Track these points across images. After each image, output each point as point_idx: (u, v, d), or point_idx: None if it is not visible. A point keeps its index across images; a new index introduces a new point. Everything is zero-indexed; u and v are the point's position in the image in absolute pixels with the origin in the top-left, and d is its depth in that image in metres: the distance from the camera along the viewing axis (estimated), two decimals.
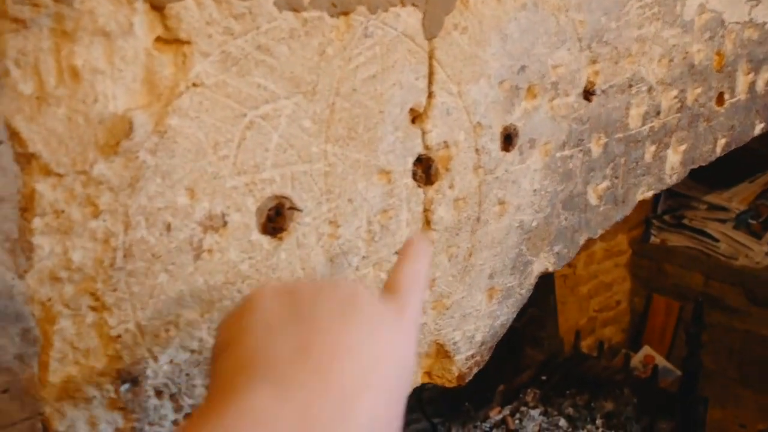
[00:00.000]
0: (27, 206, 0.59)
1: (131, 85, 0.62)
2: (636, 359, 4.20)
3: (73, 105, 0.59)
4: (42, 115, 0.58)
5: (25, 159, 0.58)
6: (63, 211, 0.60)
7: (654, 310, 4.40)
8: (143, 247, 0.65)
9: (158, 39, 0.63)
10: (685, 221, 4.26)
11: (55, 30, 0.57)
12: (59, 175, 0.59)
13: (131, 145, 0.62)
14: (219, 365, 0.50)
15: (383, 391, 0.45)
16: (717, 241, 4.19)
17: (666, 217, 4.32)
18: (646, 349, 4.29)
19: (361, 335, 0.47)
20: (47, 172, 0.59)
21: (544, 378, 3.25)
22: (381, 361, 0.46)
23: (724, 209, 4.22)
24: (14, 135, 0.57)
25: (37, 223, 0.59)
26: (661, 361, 4.16)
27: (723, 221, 4.22)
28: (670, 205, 4.33)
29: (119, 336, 0.65)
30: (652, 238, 4.31)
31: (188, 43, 0.63)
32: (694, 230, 4.22)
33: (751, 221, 4.17)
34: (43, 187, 0.59)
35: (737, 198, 4.25)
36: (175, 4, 0.62)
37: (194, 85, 0.64)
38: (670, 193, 4.13)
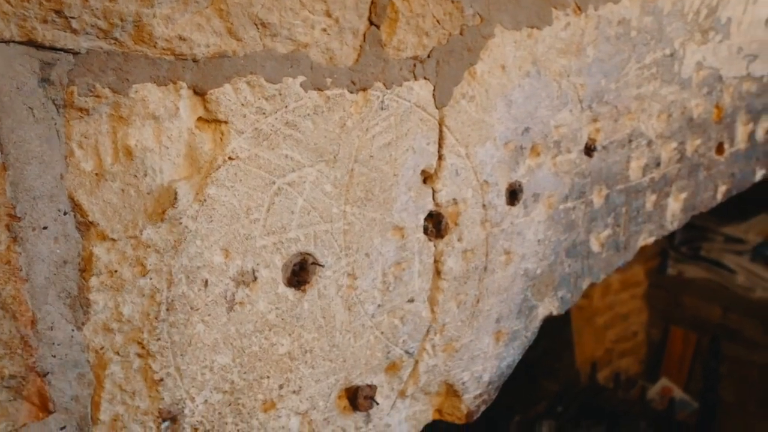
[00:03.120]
0: (86, 267, 0.68)
1: (175, 160, 0.71)
2: (653, 391, 4.20)
3: (126, 179, 0.68)
4: (100, 188, 0.67)
5: (85, 226, 0.67)
6: (116, 271, 0.69)
7: (671, 341, 4.40)
8: (184, 301, 0.73)
9: (199, 119, 0.72)
10: (702, 253, 4.28)
11: (112, 116, 0.66)
12: (113, 240, 0.68)
13: (176, 212, 0.70)
14: None
15: None
16: (734, 272, 4.19)
17: (683, 249, 4.34)
18: (664, 381, 4.29)
19: None
20: (103, 237, 0.68)
21: (559, 409, 3.28)
22: None
23: (740, 241, 4.24)
24: (77, 206, 0.66)
25: (93, 281, 0.68)
26: (678, 392, 4.16)
27: (740, 253, 4.23)
28: (687, 237, 4.35)
29: (162, 379, 0.74)
30: (669, 270, 4.33)
31: (225, 122, 0.72)
32: (711, 262, 4.23)
33: None
34: (100, 250, 0.68)
35: (754, 230, 4.26)
36: (215, 89, 0.71)
37: (230, 158, 0.73)
38: (687, 225, 4.16)
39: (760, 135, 1.49)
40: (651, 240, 1.29)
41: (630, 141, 1.17)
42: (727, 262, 4.22)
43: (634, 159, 1.19)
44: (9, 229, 0.62)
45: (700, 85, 1.28)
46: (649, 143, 1.21)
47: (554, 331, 3.23)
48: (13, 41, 0.60)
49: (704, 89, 1.29)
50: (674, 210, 1.33)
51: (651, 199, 1.26)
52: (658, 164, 1.25)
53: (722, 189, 1.44)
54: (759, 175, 1.53)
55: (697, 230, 4.31)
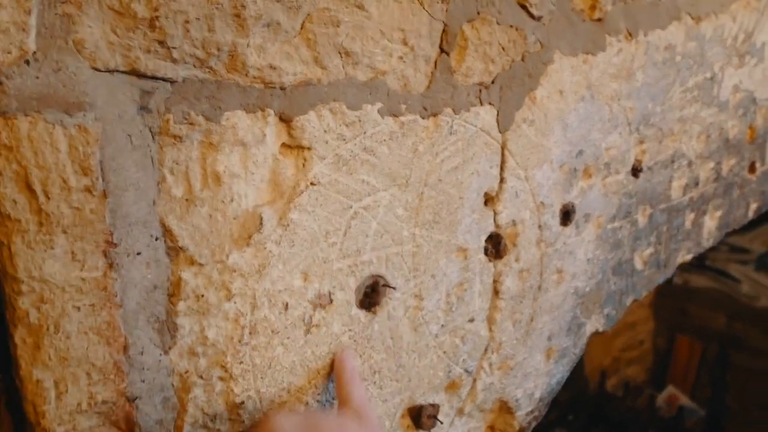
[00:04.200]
0: (174, 292, 0.69)
1: (259, 185, 0.72)
2: (660, 399, 4.23)
3: (215, 204, 0.69)
4: (189, 214, 0.68)
5: (175, 252, 0.68)
6: (202, 296, 0.70)
7: (677, 350, 4.43)
8: (265, 324, 0.74)
9: (283, 145, 0.73)
10: (708, 262, 4.31)
11: (203, 142, 0.68)
12: (201, 265, 0.69)
13: (261, 237, 0.72)
14: None
15: None
16: (739, 281, 4.23)
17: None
18: (670, 389, 4.32)
19: None
20: (191, 262, 0.69)
21: (570, 418, 3.30)
22: None
23: (745, 251, 4.27)
24: (167, 232, 0.67)
25: (181, 306, 0.69)
26: (685, 400, 4.18)
27: (744, 263, 4.27)
28: None
29: (242, 402, 0.74)
30: (675, 279, 4.35)
31: (309, 148, 0.73)
32: (716, 271, 4.27)
33: None
34: (188, 275, 0.69)
35: (758, 240, 4.30)
36: (300, 117, 0.72)
37: (312, 184, 0.74)
38: None
39: None
40: (689, 257, 1.31)
41: (672, 161, 1.19)
42: (732, 271, 4.25)
43: (676, 179, 1.21)
44: (106, 256, 0.63)
45: (737, 107, 1.30)
46: (690, 163, 1.23)
47: None
48: (118, 71, 0.61)
49: (740, 111, 1.31)
50: (710, 228, 1.35)
51: (690, 217, 1.28)
52: (696, 183, 1.26)
53: (753, 206, 1.46)
54: None
55: None
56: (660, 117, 1.13)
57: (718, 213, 1.36)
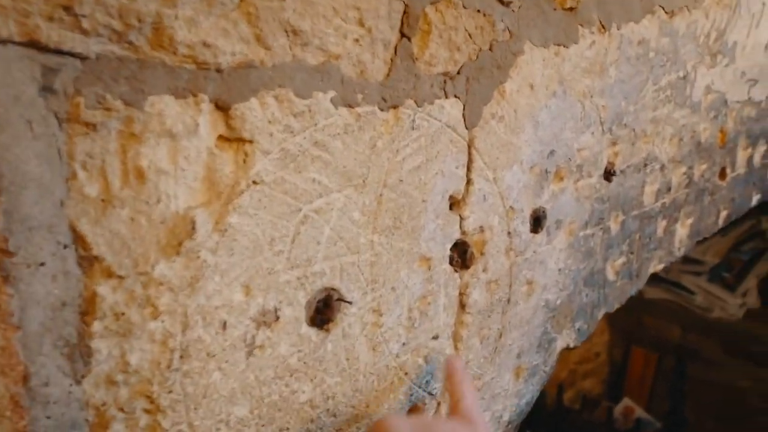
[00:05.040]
0: (87, 310, 0.57)
1: (192, 184, 0.62)
2: (616, 411, 4.21)
3: (137, 206, 0.58)
4: (106, 217, 0.57)
5: (88, 262, 0.57)
6: (123, 314, 0.59)
7: (633, 361, 4.43)
8: (199, 346, 0.63)
9: (220, 137, 0.63)
10: (662, 274, 4.31)
11: (122, 132, 0.57)
12: (120, 277, 0.58)
13: (194, 245, 0.61)
14: None
15: None
16: (693, 293, 4.25)
17: None
18: (626, 401, 4.30)
19: None
20: (109, 274, 0.58)
21: None
22: None
23: (699, 262, 4.30)
24: (79, 238, 0.56)
25: (96, 326, 0.58)
26: (641, 412, 4.17)
27: (698, 274, 4.29)
28: None
29: None
30: None
31: (251, 141, 0.63)
32: (670, 283, 4.28)
33: (724, 274, 4.25)
34: (105, 289, 0.58)
35: (711, 251, 4.33)
36: (240, 104, 0.62)
37: (254, 182, 0.64)
38: None
39: (757, 160, 1.47)
40: (660, 267, 1.25)
41: (645, 165, 1.12)
42: (686, 282, 4.27)
43: (648, 184, 1.14)
44: (0, 267, 0.52)
45: (708, 109, 1.25)
46: (662, 167, 1.17)
47: None
48: (12, 42, 0.50)
49: (711, 113, 1.26)
50: (681, 236, 1.28)
51: (662, 224, 1.21)
52: (669, 189, 1.20)
53: (723, 214, 1.41)
54: (755, 199, 1.51)
55: None
56: (633, 117, 1.06)
57: (690, 220, 1.30)
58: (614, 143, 1.05)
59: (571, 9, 0.91)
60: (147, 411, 0.62)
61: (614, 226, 1.10)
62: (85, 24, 0.52)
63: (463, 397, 0.73)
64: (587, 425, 3.65)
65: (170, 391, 0.62)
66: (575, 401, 4.02)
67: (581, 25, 0.93)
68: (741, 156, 1.40)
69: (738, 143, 1.38)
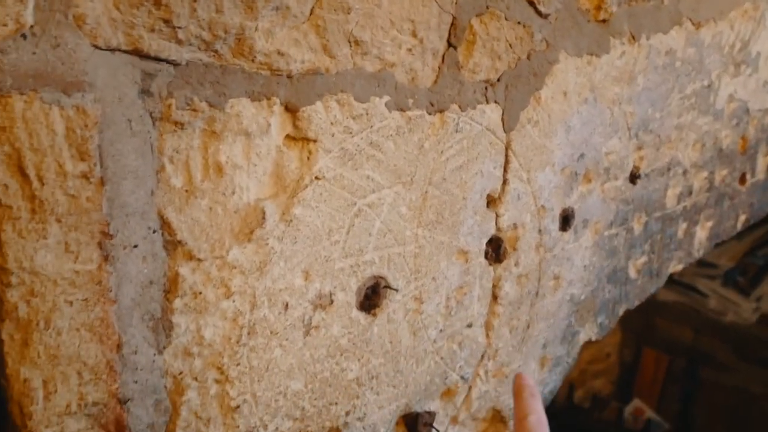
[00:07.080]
0: (170, 288, 0.65)
1: (262, 178, 0.69)
2: (626, 411, 4.25)
3: (215, 197, 0.65)
4: (189, 206, 0.64)
5: (172, 246, 0.64)
6: (200, 293, 0.66)
7: (643, 362, 4.46)
8: (264, 324, 0.70)
9: (287, 136, 0.69)
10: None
11: (205, 131, 0.64)
12: (199, 260, 0.65)
13: (263, 233, 0.68)
14: None
15: None
16: (706, 296, 4.28)
17: None
18: (636, 402, 4.34)
19: None
20: (189, 257, 0.65)
21: None
22: None
23: (713, 266, 4.33)
24: (165, 224, 0.63)
25: (177, 303, 0.65)
26: (650, 413, 4.21)
27: (712, 278, 4.32)
28: None
29: (238, 406, 0.70)
30: None
31: (315, 141, 0.70)
32: (683, 285, 4.31)
33: (739, 278, 4.28)
34: (185, 270, 0.65)
35: (726, 255, 4.36)
36: (306, 107, 0.69)
37: (317, 178, 0.71)
38: None
39: None
40: (680, 267, 1.31)
41: (668, 169, 1.18)
42: (700, 285, 4.30)
43: (671, 187, 1.20)
44: (101, 248, 0.59)
45: (731, 116, 1.30)
46: (685, 172, 1.22)
47: None
48: (119, 50, 0.57)
49: (734, 121, 1.31)
50: (701, 238, 1.34)
51: (682, 227, 1.27)
52: (690, 193, 1.26)
53: (742, 218, 1.46)
54: None
55: None
56: (659, 123, 1.12)
57: (709, 223, 1.35)
58: (640, 148, 1.11)
59: (604, 21, 0.97)
60: (217, 381, 0.69)
61: (637, 227, 1.16)
62: (181, 35, 0.59)
63: (531, 413, 0.73)
64: (597, 424, 3.69)
65: (238, 364, 0.69)
66: (585, 400, 4.07)
67: (613, 36, 0.99)
68: (761, 162, 1.45)
69: (758, 150, 1.43)
